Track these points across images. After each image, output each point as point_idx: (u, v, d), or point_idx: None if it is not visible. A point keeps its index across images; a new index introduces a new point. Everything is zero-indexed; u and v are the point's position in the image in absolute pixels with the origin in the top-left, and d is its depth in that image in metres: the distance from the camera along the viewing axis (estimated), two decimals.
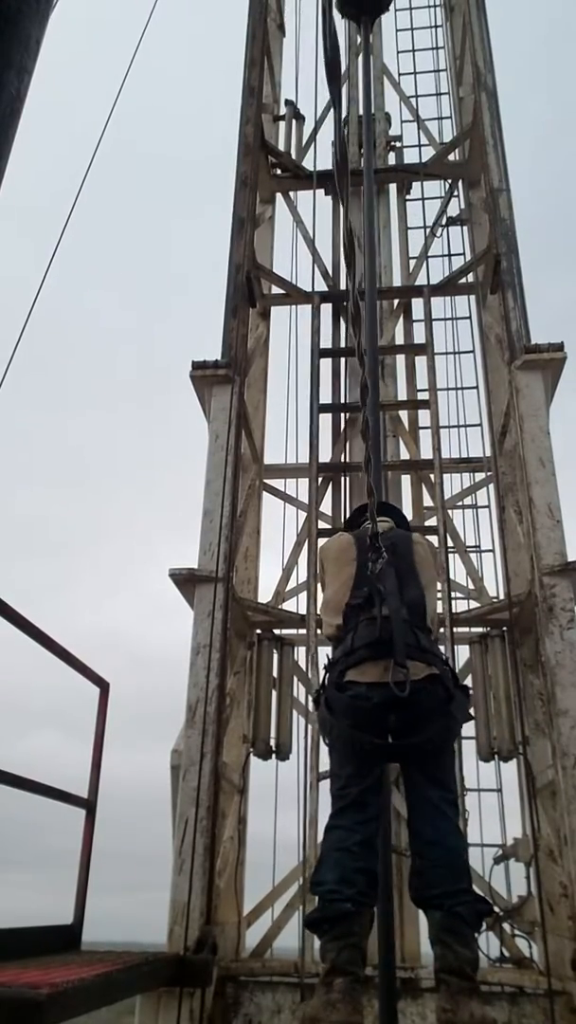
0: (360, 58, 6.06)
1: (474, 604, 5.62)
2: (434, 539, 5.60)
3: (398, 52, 7.90)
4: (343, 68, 7.32)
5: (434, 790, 3.00)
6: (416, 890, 2.94)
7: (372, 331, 5.11)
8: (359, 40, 6.14)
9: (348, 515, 4.87)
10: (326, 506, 6.27)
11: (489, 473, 5.97)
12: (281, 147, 7.34)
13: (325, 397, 6.41)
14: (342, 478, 6.32)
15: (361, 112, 7.43)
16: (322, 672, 3.31)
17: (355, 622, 3.18)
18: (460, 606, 5.58)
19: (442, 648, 4.41)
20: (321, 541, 5.80)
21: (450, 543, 5.69)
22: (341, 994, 2.61)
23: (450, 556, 5.62)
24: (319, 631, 5.33)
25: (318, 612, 3.95)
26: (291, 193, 7.24)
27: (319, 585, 3.78)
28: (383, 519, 3.71)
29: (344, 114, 7.66)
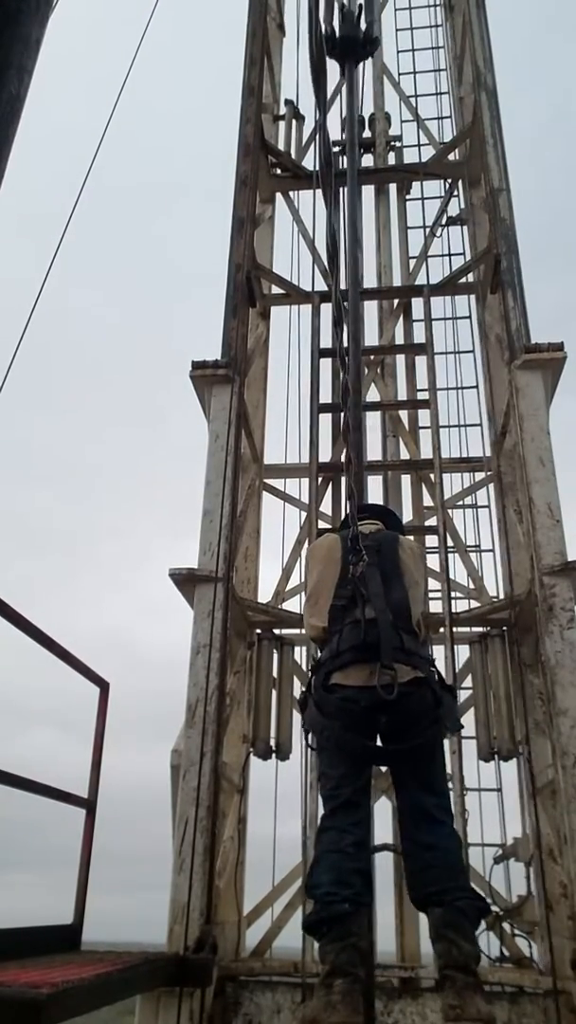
0: (345, 95, 6.11)
1: (474, 604, 5.61)
2: (434, 539, 5.60)
3: (398, 51, 7.90)
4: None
5: (427, 796, 3.00)
6: (415, 890, 2.94)
7: (355, 331, 5.10)
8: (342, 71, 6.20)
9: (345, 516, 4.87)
10: (326, 506, 6.26)
11: (489, 473, 5.97)
12: (281, 147, 7.33)
13: (325, 397, 6.40)
14: (342, 478, 6.32)
15: (363, 127, 7.47)
16: (308, 674, 3.31)
17: (340, 624, 3.18)
18: (460, 606, 5.58)
19: (432, 649, 4.41)
20: None
21: (450, 543, 5.69)
22: (341, 995, 2.62)
23: (450, 556, 5.62)
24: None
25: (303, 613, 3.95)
26: (291, 193, 7.24)
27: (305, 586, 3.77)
28: (372, 521, 3.71)
29: (344, 114, 7.65)
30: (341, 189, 7.22)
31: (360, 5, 6.22)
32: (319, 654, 3.33)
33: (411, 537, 4.63)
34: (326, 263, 6.74)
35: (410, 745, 2.95)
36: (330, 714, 3.01)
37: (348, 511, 3.76)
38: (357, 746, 2.98)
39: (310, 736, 3.27)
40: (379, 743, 3.06)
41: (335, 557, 3.45)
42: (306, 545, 5.82)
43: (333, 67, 6.44)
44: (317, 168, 6.88)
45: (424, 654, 3.21)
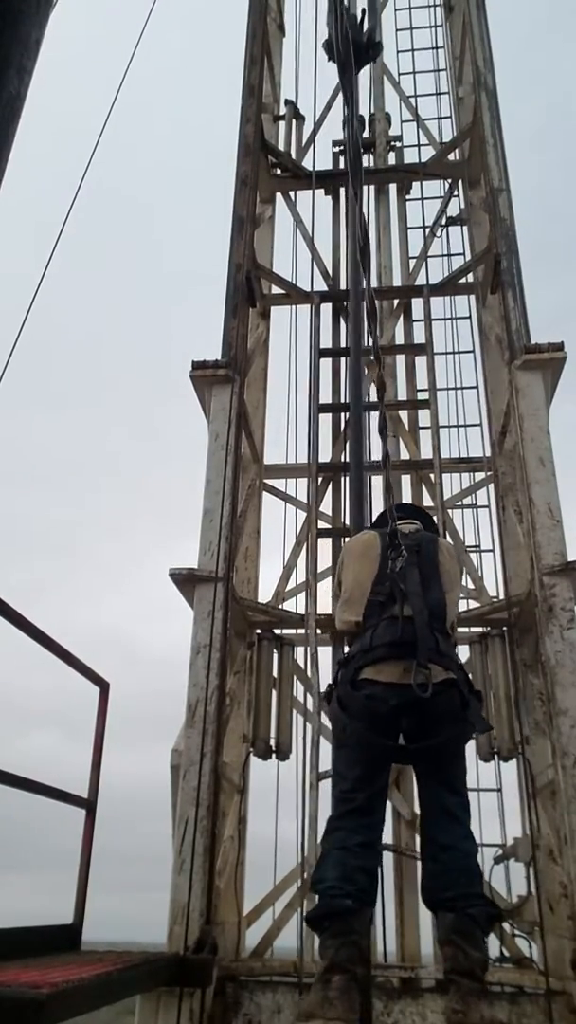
0: (349, 98, 6.10)
1: (474, 604, 5.61)
2: None
3: (398, 52, 7.90)
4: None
5: (448, 795, 3.00)
6: (429, 892, 2.94)
7: (356, 332, 5.10)
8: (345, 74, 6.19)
9: (351, 516, 4.86)
10: (326, 506, 6.27)
11: (489, 473, 5.97)
12: (281, 147, 7.34)
13: (325, 397, 6.41)
14: (342, 478, 6.32)
15: (363, 127, 7.47)
16: (335, 668, 3.30)
17: (376, 620, 3.17)
18: (460, 606, 5.57)
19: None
20: (321, 541, 5.80)
21: (450, 543, 5.69)
22: (338, 991, 2.62)
23: None
24: (319, 630, 5.34)
25: (335, 606, 3.93)
26: (291, 193, 7.24)
27: (337, 580, 3.75)
28: (410, 521, 3.70)
29: (344, 116, 7.67)
30: (342, 189, 7.25)
31: (363, 10, 6.24)
32: (341, 649, 3.32)
33: (448, 539, 4.61)
34: (342, 259, 6.76)
35: (433, 744, 2.94)
36: (353, 713, 3.00)
37: (388, 507, 3.73)
38: (379, 746, 2.97)
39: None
40: (401, 742, 3.04)
41: (373, 554, 3.43)
42: (306, 545, 5.83)
43: (333, 70, 6.45)
44: (325, 167, 6.90)
45: (455, 657, 3.20)
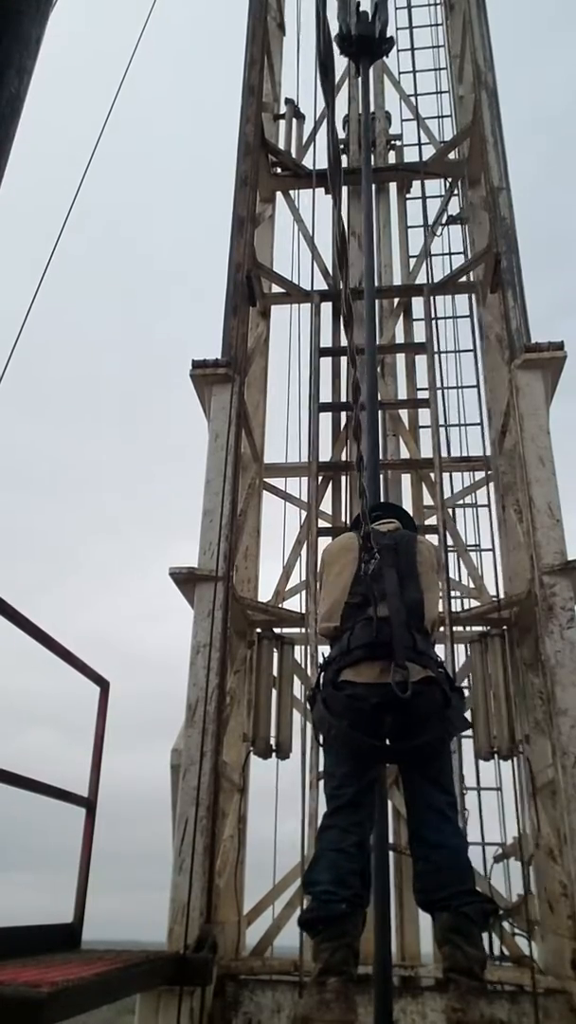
0: (360, 92, 6.14)
1: (474, 603, 5.62)
2: (434, 538, 5.60)
3: (398, 50, 7.88)
4: (344, 66, 7.32)
5: (434, 793, 3.00)
6: (421, 893, 2.94)
7: (371, 330, 5.09)
8: (356, 70, 6.24)
9: (353, 516, 4.85)
10: (326, 505, 6.26)
11: (489, 472, 5.97)
12: (281, 146, 7.33)
13: (325, 396, 6.41)
14: (342, 477, 6.32)
15: (360, 115, 7.47)
16: (317, 671, 3.32)
17: (352, 622, 3.18)
18: (460, 605, 5.58)
19: (439, 649, 4.41)
20: (321, 540, 5.80)
21: (450, 542, 5.69)
22: (335, 994, 2.62)
23: (450, 555, 5.62)
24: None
25: (318, 612, 3.94)
26: (291, 192, 7.23)
27: (319, 584, 3.76)
28: (389, 520, 3.70)
29: (344, 113, 7.67)
30: (344, 188, 7.24)
31: (375, 4, 6.25)
32: (328, 652, 3.32)
33: (428, 537, 4.61)
34: (331, 261, 6.78)
35: (417, 743, 2.94)
36: (337, 712, 3.01)
37: (371, 508, 3.73)
38: (363, 744, 2.98)
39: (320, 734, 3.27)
40: (388, 742, 3.05)
41: (350, 557, 3.44)
42: (306, 544, 5.83)
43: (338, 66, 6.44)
44: (326, 166, 6.91)
45: (434, 655, 3.20)
